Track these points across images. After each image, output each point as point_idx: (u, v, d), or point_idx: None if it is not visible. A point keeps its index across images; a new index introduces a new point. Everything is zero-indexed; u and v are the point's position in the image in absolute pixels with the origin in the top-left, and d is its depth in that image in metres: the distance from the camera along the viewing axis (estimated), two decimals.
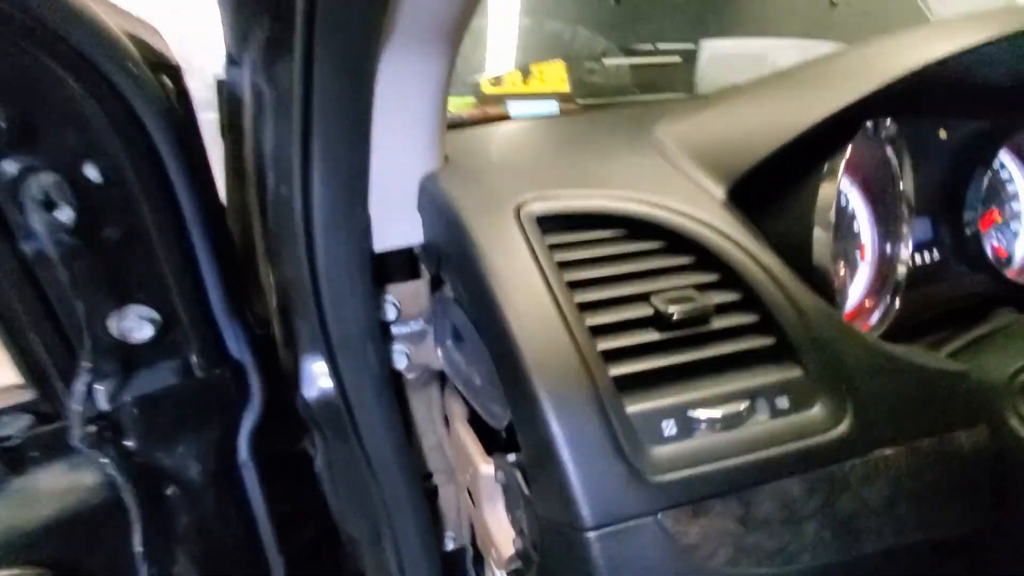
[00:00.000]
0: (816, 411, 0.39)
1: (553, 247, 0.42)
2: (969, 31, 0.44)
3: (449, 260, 0.48)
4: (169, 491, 0.49)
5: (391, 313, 0.57)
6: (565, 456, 0.34)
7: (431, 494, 0.69)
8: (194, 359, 0.49)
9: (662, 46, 0.92)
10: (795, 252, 0.45)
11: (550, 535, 0.36)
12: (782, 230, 0.46)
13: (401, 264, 0.59)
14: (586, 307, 0.39)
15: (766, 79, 0.60)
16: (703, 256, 0.44)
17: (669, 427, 0.37)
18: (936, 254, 0.62)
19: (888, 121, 0.51)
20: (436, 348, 0.58)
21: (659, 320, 0.40)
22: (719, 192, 0.48)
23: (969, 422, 0.42)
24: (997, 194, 0.68)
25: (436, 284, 0.57)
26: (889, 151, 0.53)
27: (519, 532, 0.46)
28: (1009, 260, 0.68)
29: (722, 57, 0.93)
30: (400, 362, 0.59)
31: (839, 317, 0.41)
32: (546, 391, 0.35)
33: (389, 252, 0.56)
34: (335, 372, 0.54)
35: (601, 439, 0.34)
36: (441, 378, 0.68)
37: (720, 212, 0.45)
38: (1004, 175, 0.68)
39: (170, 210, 0.52)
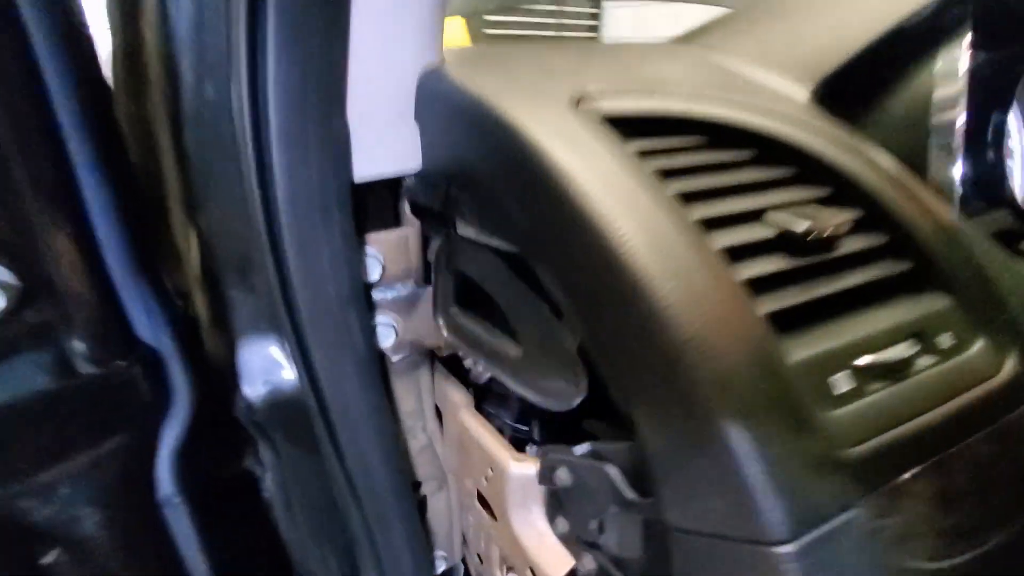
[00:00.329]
0: (979, 349, 0.31)
1: (642, 154, 0.30)
2: None
3: (476, 182, 0.34)
4: (49, 559, 0.30)
5: (374, 271, 0.42)
6: (738, 438, 0.22)
7: (419, 508, 0.55)
8: (78, 348, 0.31)
9: None
10: (907, 165, 0.36)
11: (698, 552, 0.25)
12: (883, 140, 0.38)
13: (384, 203, 0.44)
14: (709, 225, 0.28)
15: None
16: (807, 166, 0.34)
17: (840, 382, 0.26)
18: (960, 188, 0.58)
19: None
20: (437, 316, 0.44)
21: (787, 242, 0.30)
22: (802, 94, 0.38)
23: None
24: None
25: (435, 229, 0.43)
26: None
27: (586, 546, 0.34)
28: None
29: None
30: (386, 338, 0.44)
31: (979, 233, 0.33)
32: (691, 341, 0.23)
33: (370, 184, 0.41)
34: (303, 358, 0.38)
35: (778, 406, 0.23)
36: (431, 359, 0.54)
37: (813, 113, 0.36)
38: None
39: (36, 116, 0.33)
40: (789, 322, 0.28)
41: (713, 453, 0.23)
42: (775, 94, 0.38)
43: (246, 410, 0.39)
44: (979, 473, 0.28)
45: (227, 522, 0.45)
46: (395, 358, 0.46)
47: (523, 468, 0.42)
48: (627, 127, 0.32)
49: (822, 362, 0.26)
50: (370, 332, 0.40)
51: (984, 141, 0.56)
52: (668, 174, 0.30)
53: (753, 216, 0.31)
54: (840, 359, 0.27)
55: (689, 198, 0.29)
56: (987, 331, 0.31)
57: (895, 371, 0.28)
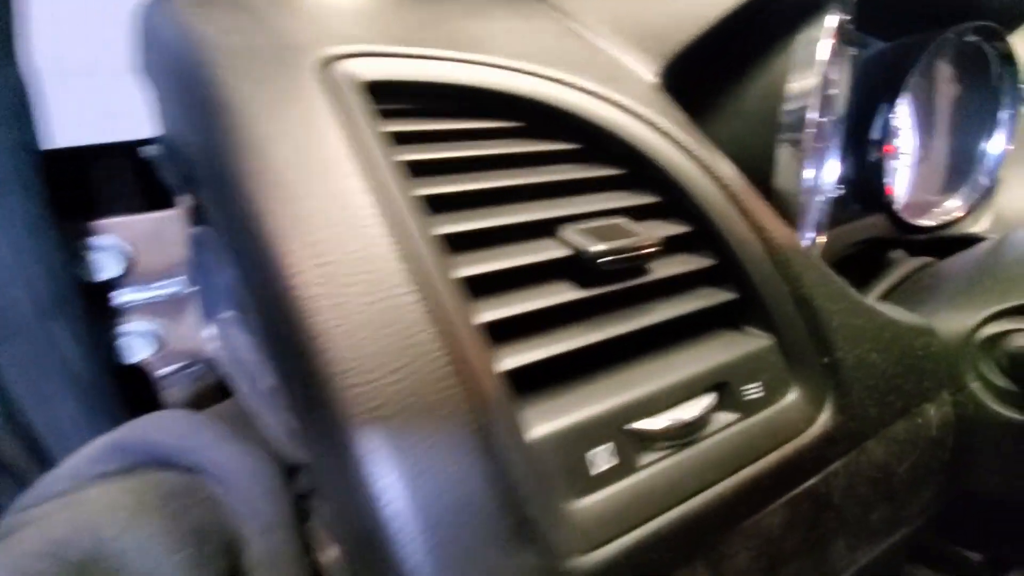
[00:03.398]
0: (793, 399, 0.26)
1: (394, 137, 0.23)
2: None
3: (202, 157, 0.26)
4: None
5: (109, 267, 0.33)
6: (409, 546, 0.16)
7: None
8: None
9: None
10: (748, 169, 0.31)
11: None
12: (732, 136, 0.32)
13: (125, 179, 0.35)
14: (455, 243, 0.21)
15: None
16: (635, 166, 0.28)
17: (601, 457, 0.21)
18: (841, 189, 0.55)
19: (844, 7, 0.39)
20: (205, 324, 0.36)
21: (574, 268, 0.24)
22: (647, 73, 0.32)
23: (934, 391, 0.33)
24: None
25: (200, 215, 0.34)
26: (838, 48, 0.42)
27: None
28: (896, 198, 0.65)
29: None
30: (141, 349, 0.35)
31: (816, 258, 0.28)
32: (368, 410, 0.17)
33: (100, 152, 0.32)
34: None
35: (485, 514, 0.17)
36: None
37: (654, 101, 0.30)
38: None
39: None
40: (552, 379, 0.22)
41: (379, 559, 0.17)
42: (621, 72, 0.31)
43: None
44: (765, 551, 0.24)
45: None
46: (164, 371, 0.38)
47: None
48: (397, 99, 0.25)
49: (582, 431, 0.21)
50: (91, 347, 0.32)
51: (867, 139, 0.53)
52: (421, 168, 0.22)
53: (542, 229, 0.24)
54: (609, 425, 0.21)
55: (437, 204, 0.22)
56: (805, 377, 0.27)
57: (678, 436, 0.22)
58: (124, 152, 0.32)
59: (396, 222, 0.20)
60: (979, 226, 0.59)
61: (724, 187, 0.28)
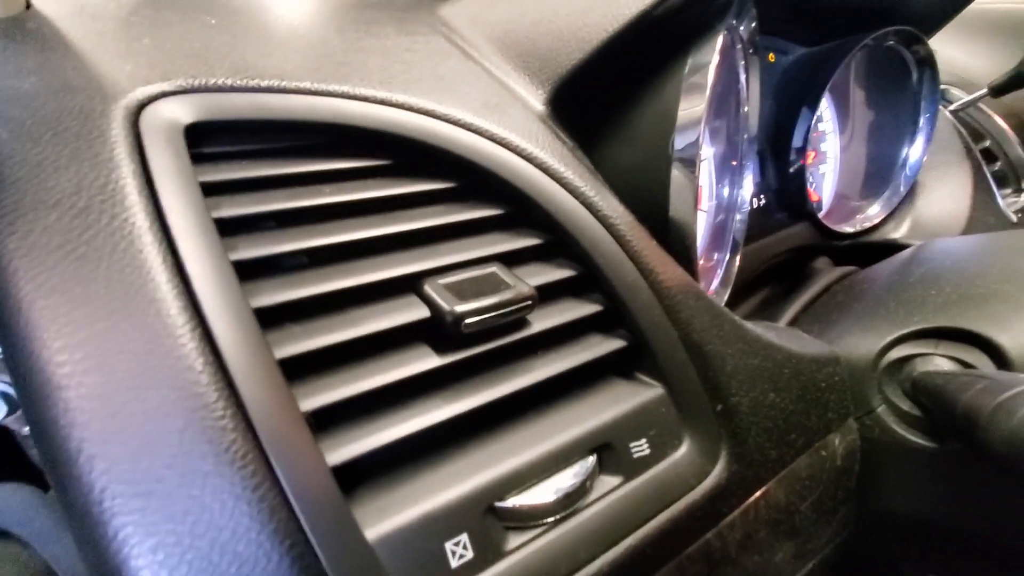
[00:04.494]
0: (684, 452, 0.25)
1: (214, 189, 0.20)
2: None
3: None
4: None
5: None
6: None
7: None
8: None
9: None
10: (642, 199, 0.29)
11: None
12: (622, 166, 0.30)
13: None
14: (273, 316, 0.19)
15: None
16: (516, 205, 0.26)
17: (461, 548, 0.19)
18: (762, 200, 0.54)
19: (747, 20, 0.38)
20: None
21: (437, 330, 0.21)
22: (536, 101, 0.30)
23: (840, 420, 0.32)
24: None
25: None
26: (741, 63, 0.41)
27: None
28: (820, 205, 0.65)
29: None
30: None
31: (708, 299, 0.27)
32: (165, 524, 0.14)
33: None
34: None
35: None
36: None
37: (538, 132, 0.27)
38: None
39: None
40: (403, 460, 0.20)
41: None
42: (505, 99, 0.29)
43: None
44: None
45: None
46: (26, 431, 0.33)
47: None
48: (235, 139, 0.22)
49: (441, 521, 0.19)
50: None
51: (789, 146, 0.52)
52: (237, 225, 0.20)
53: (402, 285, 0.22)
54: (467, 509, 0.19)
55: (252, 269, 0.19)
56: (698, 427, 0.25)
57: (552, 512, 0.21)
58: None
59: (202, 298, 0.17)
60: (900, 231, 0.60)
61: (611, 226, 0.26)
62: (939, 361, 0.32)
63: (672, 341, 0.25)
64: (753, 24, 0.36)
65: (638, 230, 0.26)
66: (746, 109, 0.39)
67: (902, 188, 0.60)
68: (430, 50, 0.30)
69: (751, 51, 0.39)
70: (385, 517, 0.18)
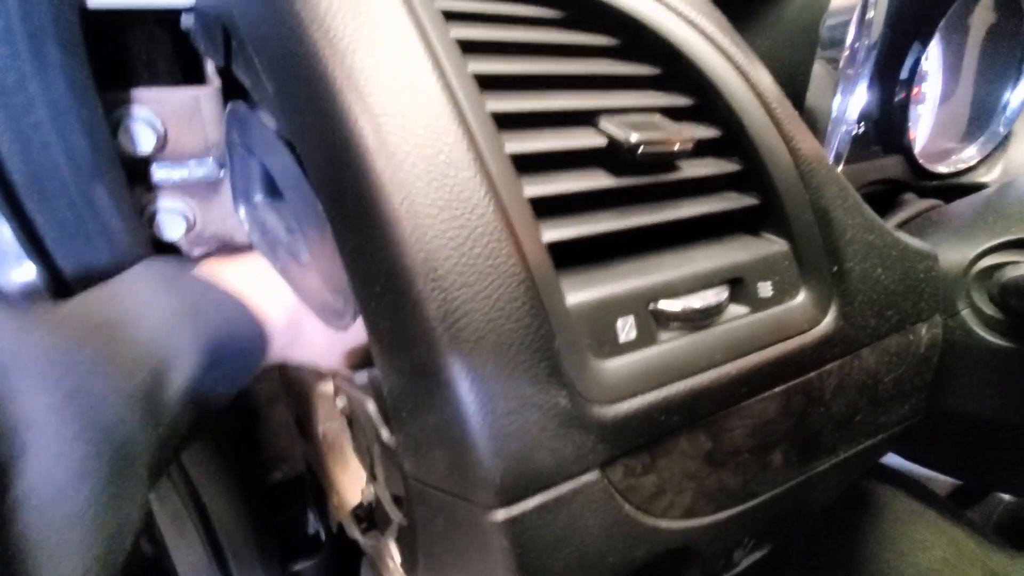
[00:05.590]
0: (801, 301, 0.28)
1: (450, 16, 0.23)
2: None
3: (253, 35, 0.26)
4: None
5: (146, 140, 0.33)
6: (464, 389, 0.18)
7: (253, 415, 0.51)
8: None
9: None
10: (785, 82, 0.31)
11: (429, 504, 0.22)
12: (772, 49, 0.32)
13: (161, 49, 0.34)
14: (504, 123, 0.22)
15: None
16: (675, 65, 0.28)
17: (626, 328, 0.23)
18: (861, 127, 0.55)
19: None
20: (237, 206, 0.36)
21: (611, 156, 0.25)
22: None
23: (929, 313, 0.35)
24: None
25: (233, 93, 0.34)
26: None
27: (372, 477, 0.31)
28: (914, 142, 0.65)
29: None
30: (173, 228, 0.36)
31: (837, 173, 0.30)
32: (432, 267, 0.18)
33: (132, 18, 0.31)
34: (35, 248, 0.31)
35: (526, 353, 0.19)
36: None
37: (699, 2, 0.29)
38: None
39: None
40: (589, 254, 0.23)
41: (437, 398, 0.19)
42: None
43: None
44: (758, 431, 0.26)
45: None
46: (195, 252, 0.39)
47: (329, 388, 0.39)
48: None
49: (613, 303, 0.22)
50: (132, 217, 0.33)
51: (895, 78, 0.52)
52: (474, 47, 0.23)
53: (583, 118, 0.25)
54: (635, 301, 0.23)
55: (492, 84, 0.22)
56: (814, 282, 0.29)
57: (694, 319, 0.24)
58: (163, 20, 0.31)
59: (454, 99, 0.20)
60: (989, 176, 0.60)
61: (759, 94, 0.28)
62: None
63: (802, 203, 0.28)
64: None
65: (782, 100, 0.28)
66: (871, 15, 0.40)
67: (1000, 133, 0.60)
68: None
69: None
70: (578, 291, 0.22)
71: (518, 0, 0.26)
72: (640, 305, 0.23)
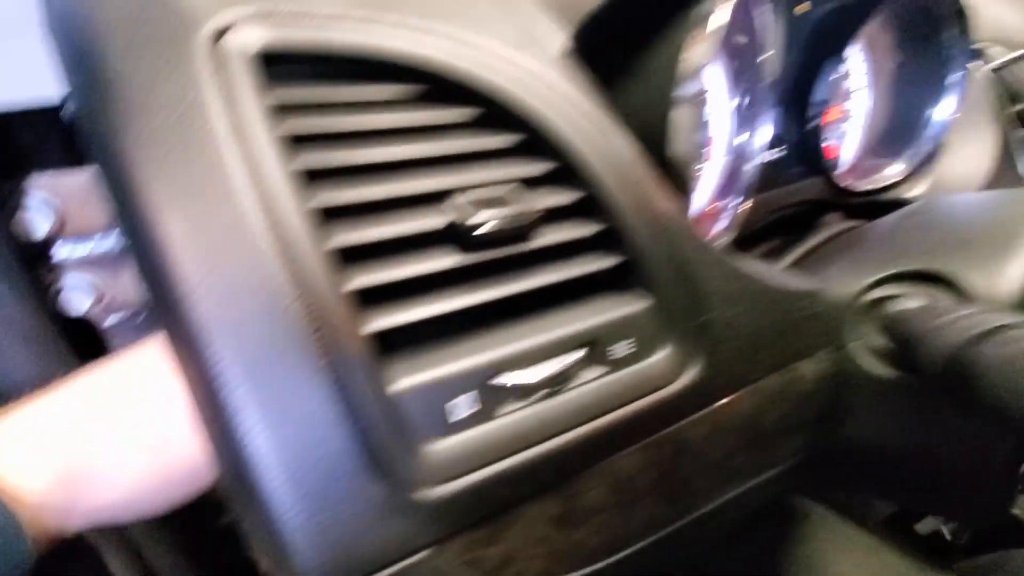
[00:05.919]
0: (662, 356, 0.29)
1: (281, 110, 0.24)
2: None
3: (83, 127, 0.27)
4: None
5: (42, 224, 0.34)
6: (271, 492, 0.19)
7: None
8: None
9: None
10: (646, 137, 0.32)
11: None
12: (633, 105, 0.33)
13: (50, 139, 0.35)
14: (333, 214, 0.23)
15: None
16: (533, 133, 0.29)
17: (462, 406, 0.23)
18: (782, 152, 0.56)
19: None
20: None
21: (456, 236, 0.26)
22: (559, 36, 0.32)
23: (813, 349, 0.36)
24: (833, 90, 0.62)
25: None
26: (759, 13, 0.42)
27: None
28: (836, 162, 0.66)
29: None
30: (79, 302, 0.37)
31: (694, 229, 0.30)
32: (236, 362, 0.19)
33: (21, 115, 0.33)
34: None
35: (334, 455, 0.20)
36: None
37: (559, 68, 0.30)
38: (842, 69, 0.63)
39: None
40: (423, 335, 0.24)
41: (251, 499, 0.20)
42: (533, 35, 0.32)
43: None
44: (619, 487, 0.27)
45: None
46: (109, 322, 0.40)
47: None
48: (284, 68, 0.25)
49: (448, 384, 0.23)
50: (31, 299, 0.34)
51: (807, 98, 0.53)
52: (303, 139, 0.24)
53: (430, 200, 0.26)
54: (474, 378, 0.24)
55: (317, 175, 0.23)
56: (678, 335, 0.29)
57: (533, 391, 0.25)
58: (49, 113, 0.33)
59: (269, 196, 0.21)
60: (916, 191, 0.60)
61: (617, 156, 0.29)
62: (915, 301, 0.35)
63: (663, 259, 0.29)
64: None
65: (640, 161, 0.29)
66: (761, 58, 0.41)
67: (924, 148, 0.61)
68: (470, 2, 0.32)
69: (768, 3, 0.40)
70: (407, 376, 0.23)
71: (368, 81, 0.27)
72: (477, 382, 0.24)
